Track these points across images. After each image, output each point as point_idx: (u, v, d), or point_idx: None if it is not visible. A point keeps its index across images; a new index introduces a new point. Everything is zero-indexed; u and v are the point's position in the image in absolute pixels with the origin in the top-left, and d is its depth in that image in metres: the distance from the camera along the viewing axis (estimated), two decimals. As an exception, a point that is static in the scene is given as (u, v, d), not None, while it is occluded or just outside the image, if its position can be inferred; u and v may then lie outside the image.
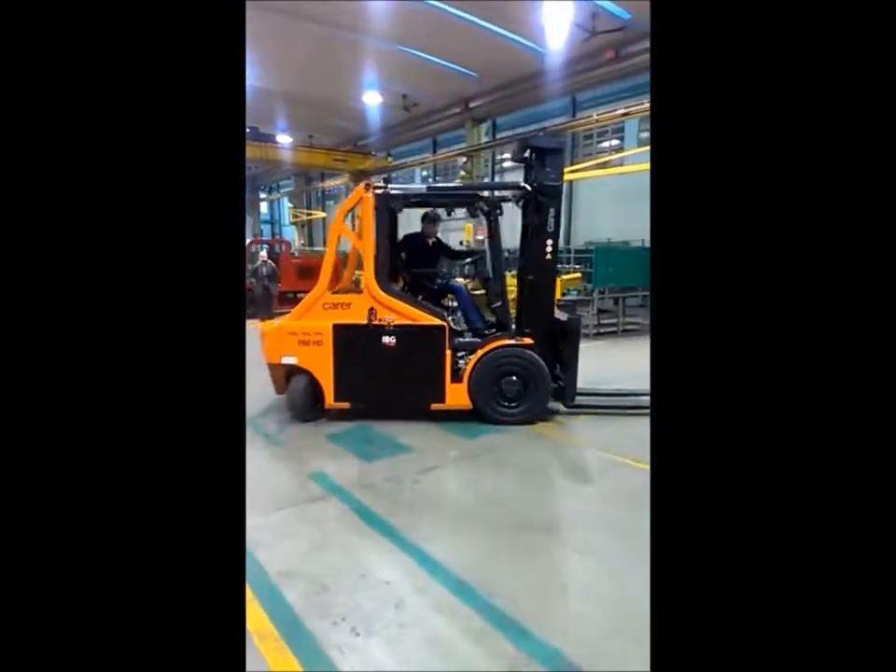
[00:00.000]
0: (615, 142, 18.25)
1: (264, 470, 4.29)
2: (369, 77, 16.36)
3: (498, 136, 19.94)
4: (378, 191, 5.32)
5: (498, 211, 5.42)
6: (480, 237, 18.14)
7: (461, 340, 5.49)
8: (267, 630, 2.43)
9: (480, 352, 5.32)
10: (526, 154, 5.38)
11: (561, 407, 5.63)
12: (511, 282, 6.48)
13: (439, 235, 6.40)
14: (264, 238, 27.33)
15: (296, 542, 3.20)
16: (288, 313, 5.69)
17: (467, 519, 3.54)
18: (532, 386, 5.32)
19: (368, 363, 5.31)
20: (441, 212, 6.24)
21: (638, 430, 5.06)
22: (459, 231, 15.79)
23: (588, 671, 2.19)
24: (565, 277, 10.97)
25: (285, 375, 5.52)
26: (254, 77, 15.11)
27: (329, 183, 27.91)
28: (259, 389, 6.34)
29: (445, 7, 11.90)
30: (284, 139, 20.83)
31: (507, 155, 21.51)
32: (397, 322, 5.24)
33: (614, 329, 11.81)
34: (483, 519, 3.51)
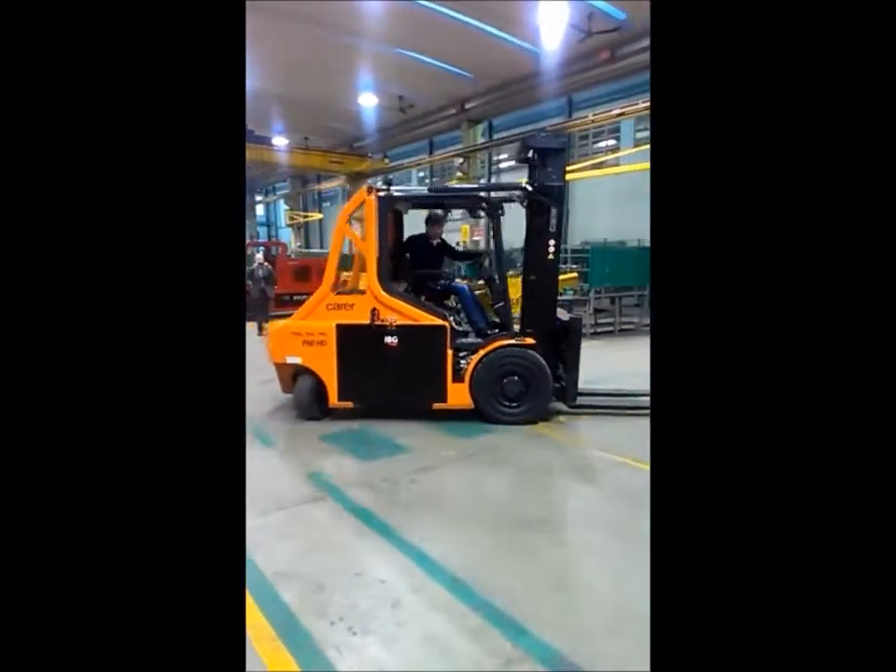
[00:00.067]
0: (611, 142, 18.30)
1: (260, 471, 4.28)
2: (364, 79, 16.38)
3: (495, 137, 19.97)
4: (381, 194, 5.36)
5: (500, 212, 5.44)
6: (476, 238, 18.23)
7: (463, 340, 5.52)
8: (264, 630, 2.43)
9: (481, 352, 5.35)
10: (529, 154, 5.39)
11: (562, 407, 5.64)
12: (518, 282, 6.50)
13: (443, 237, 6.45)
14: (260, 240, 27.26)
15: (293, 542, 3.20)
16: (284, 315, 5.73)
17: (463, 518, 3.53)
18: (533, 386, 5.33)
19: (370, 363, 5.37)
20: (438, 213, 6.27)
21: (639, 430, 5.05)
22: (456, 231, 15.82)
23: (588, 671, 2.19)
24: (561, 277, 10.95)
25: (291, 375, 5.60)
26: (249, 79, 15.10)
27: (326, 185, 27.92)
28: (258, 390, 6.42)
29: (440, 8, 11.92)
30: (280, 141, 20.81)
31: (504, 156, 21.57)
32: (399, 322, 5.29)
33: (611, 328, 11.84)
34: (479, 518, 3.51)
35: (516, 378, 5.33)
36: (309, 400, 5.54)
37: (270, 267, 12.76)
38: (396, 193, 5.46)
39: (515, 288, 5.92)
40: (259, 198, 36.15)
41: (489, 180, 21.19)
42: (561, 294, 10.66)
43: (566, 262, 13.02)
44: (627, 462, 4.44)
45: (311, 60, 14.78)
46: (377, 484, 4.05)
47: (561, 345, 5.46)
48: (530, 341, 5.36)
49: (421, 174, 25.99)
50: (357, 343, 5.35)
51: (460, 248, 10.93)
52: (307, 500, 3.80)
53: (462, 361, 5.39)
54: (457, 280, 6.65)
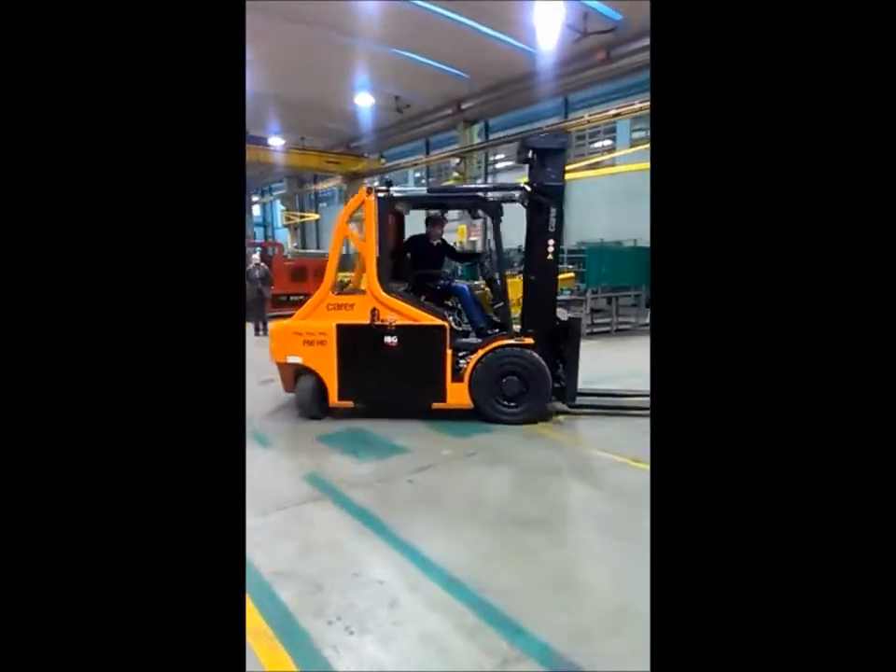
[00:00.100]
0: (607, 142, 18.31)
1: (257, 471, 4.26)
2: (360, 79, 16.37)
3: (491, 137, 19.99)
4: (380, 195, 5.38)
5: (500, 212, 5.45)
6: (473, 238, 18.23)
7: (462, 340, 5.55)
8: (261, 630, 2.43)
9: (480, 352, 5.37)
10: (530, 154, 5.39)
11: (562, 406, 5.65)
12: (515, 282, 6.52)
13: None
14: (257, 241, 27.22)
15: (290, 543, 3.20)
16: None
17: (462, 518, 3.53)
18: (532, 386, 5.34)
19: (370, 363, 5.40)
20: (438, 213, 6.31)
21: (639, 431, 5.07)
22: (452, 232, 15.81)
23: (587, 671, 2.19)
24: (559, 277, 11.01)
25: (293, 375, 5.65)
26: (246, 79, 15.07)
27: (322, 185, 27.92)
28: (259, 390, 6.48)
29: (436, 8, 11.92)
30: (276, 141, 20.78)
31: (500, 156, 21.58)
32: (398, 322, 5.31)
33: (607, 328, 11.86)
34: (477, 518, 3.50)
35: (515, 378, 5.34)
36: (310, 400, 5.58)
37: (266, 267, 12.74)
38: (395, 194, 5.48)
39: (514, 289, 5.94)
40: (255, 198, 36.16)
41: (485, 180, 21.20)
42: (558, 294, 10.70)
43: (562, 262, 13.04)
44: (627, 462, 4.44)
45: (307, 60, 14.76)
46: (375, 485, 4.05)
47: (560, 345, 5.47)
48: (529, 341, 5.37)
49: (417, 174, 25.98)
50: (357, 343, 5.39)
51: (458, 249, 10.94)
52: (306, 500, 3.80)
53: (461, 361, 5.41)
54: (457, 280, 6.66)
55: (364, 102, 17.97)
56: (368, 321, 5.32)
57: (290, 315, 5.79)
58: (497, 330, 5.63)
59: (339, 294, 5.65)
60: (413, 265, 6.09)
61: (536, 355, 5.32)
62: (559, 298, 10.37)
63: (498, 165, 22.06)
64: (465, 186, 13.55)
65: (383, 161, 23.59)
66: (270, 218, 39.92)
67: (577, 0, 11.33)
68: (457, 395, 5.38)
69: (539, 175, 5.27)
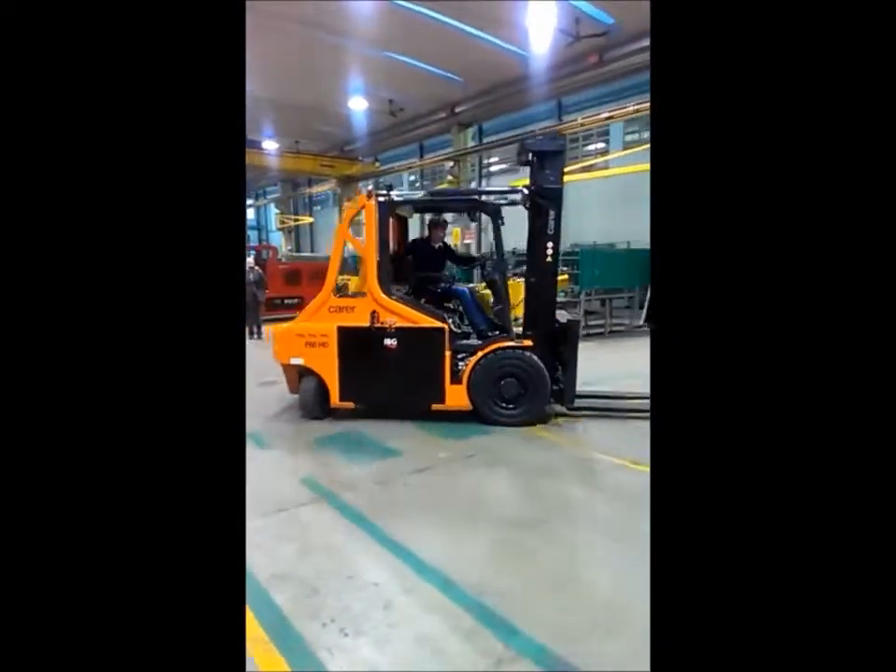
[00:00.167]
0: (600, 145, 18.36)
1: (253, 473, 4.25)
2: (354, 83, 16.38)
3: (485, 141, 20.03)
4: (381, 199, 5.41)
5: (500, 215, 5.47)
6: (468, 241, 18.26)
7: (461, 342, 5.57)
8: (256, 633, 2.42)
9: (479, 354, 5.39)
10: (530, 157, 5.39)
11: (560, 408, 5.66)
12: (513, 285, 6.53)
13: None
14: (251, 244, 27.17)
15: (286, 546, 3.19)
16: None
17: (460, 520, 3.52)
18: (531, 388, 5.36)
19: (370, 364, 5.47)
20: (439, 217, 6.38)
21: (638, 433, 5.08)
22: (447, 235, 15.79)
23: (584, 671, 2.19)
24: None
25: (297, 376, 5.76)
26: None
27: (317, 189, 27.92)
28: (259, 392, 6.55)
29: (428, 11, 11.93)
30: (270, 145, 20.76)
31: (494, 159, 21.61)
32: (398, 325, 5.36)
33: (601, 330, 11.89)
34: (475, 520, 3.50)
35: (514, 380, 5.35)
36: (312, 401, 5.68)
37: (261, 271, 12.71)
38: (396, 198, 5.52)
39: (514, 291, 5.95)
40: (249, 202, 36.09)
41: (479, 183, 21.23)
42: (554, 296, 10.73)
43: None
44: (626, 464, 4.44)
45: (301, 63, 14.76)
46: (371, 487, 4.04)
47: (559, 347, 5.48)
48: (528, 343, 5.38)
49: (412, 177, 26.00)
50: (358, 345, 5.46)
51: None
52: (304, 503, 3.79)
53: (460, 363, 5.44)
54: (457, 283, 6.69)
55: (358, 105, 17.99)
56: (368, 323, 5.38)
57: (285, 319, 5.84)
58: (497, 333, 5.65)
59: (340, 297, 5.73)
60: (414, 268, 6.12)
61: (534, 357, 5.33)
62: (556, 300, 10.46)
63: (493, 168, 22.09)
64: (465, 189, 13.57)
65: (377, 164, 23.59)
66: (264, 222, 39.88)
67: (569, 1, 11.35)
68: (456, 396, 5.41)
69: (537, 177, 5.28)
